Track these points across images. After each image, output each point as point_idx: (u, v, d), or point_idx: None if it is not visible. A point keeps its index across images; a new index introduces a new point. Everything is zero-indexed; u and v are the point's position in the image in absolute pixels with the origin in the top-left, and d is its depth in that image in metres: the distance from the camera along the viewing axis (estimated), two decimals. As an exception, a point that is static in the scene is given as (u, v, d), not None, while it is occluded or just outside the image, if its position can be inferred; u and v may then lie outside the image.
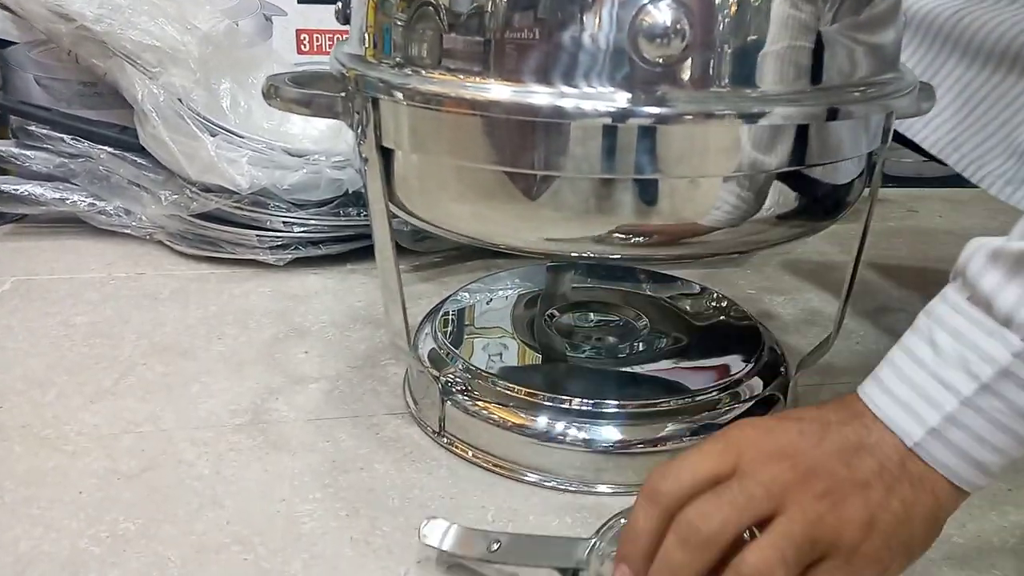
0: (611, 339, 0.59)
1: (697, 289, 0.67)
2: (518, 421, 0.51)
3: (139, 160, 0.82)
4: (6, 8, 0.82)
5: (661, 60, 0.39)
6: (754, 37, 0.39)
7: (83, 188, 0.83)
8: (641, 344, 0.58)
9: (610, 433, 0.50)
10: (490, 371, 0.54)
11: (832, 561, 0.34)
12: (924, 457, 0.35)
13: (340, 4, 0.50)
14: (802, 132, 0.42)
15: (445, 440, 0.54)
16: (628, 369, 0.56)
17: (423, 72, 0.43)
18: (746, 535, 0.34)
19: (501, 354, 0.57)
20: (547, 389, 0.52)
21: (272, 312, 0.71)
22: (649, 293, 0.66)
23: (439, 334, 0.58)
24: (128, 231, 0.83)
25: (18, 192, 0.82)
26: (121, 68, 0.79)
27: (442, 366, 0.55)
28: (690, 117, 0.40)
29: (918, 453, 0.35)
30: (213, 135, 0.77)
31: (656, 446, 0.50)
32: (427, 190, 0.48)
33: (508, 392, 0.52)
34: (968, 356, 0.34)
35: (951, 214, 1.00)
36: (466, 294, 0.65)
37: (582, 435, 0.50)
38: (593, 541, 0.40)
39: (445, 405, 0.53)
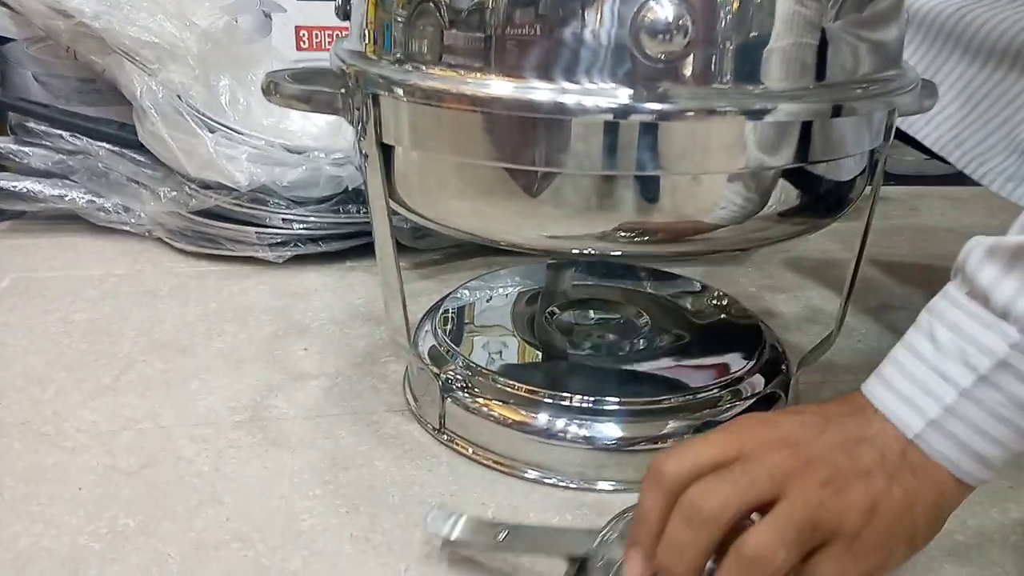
0: (612, 337, 0.59)
1: (698, 287, 0.67)
2: (518, 418, 0.51)
3: (138, 157, 0.81)
4: (4, 4, 0.82)
5: (663, 56, 0.38)
6: (757, 33, 0.39)
7: (82, 185, 0.83)
8: (642, 342, 0.58)
9: (611, 430, 0.50)
10: (490, 368, 0.54)
11: (834, 547, 0.34)
12: (925, 449, 0.35)
13: (340, 0, 0.50)
14: (806, 129, 0.42)
15: (445, 437, 0.54)
16: (629, 367, 0.56)
17: (424, 68, 0.43)
18: (750, 520, 0.34)
19: (501, 351, 0.57)
20: (547, 386, 0.52)
21: (272, 309, 0.71)
22: (650, 291, 0.65)
23: (439, 331, 0.58)
24: (127, 228, 0.83)
25: (17, 189, 0.82)
26: (120, 64, 0.79)
27: (442, 363, 0.55)
28: (692, 114, 0.40)
29: (919, 445, 0.35)
30: (212, 132, 0.77)
31: (657, 443, 0.50)
32: (427, 187, 0.47)
33: (508, 389, 0.52)
34: (967, 349, 0.35)
35: (952, 212, 1.00)
36: (466, 292, 0.65)
37: (583, 432, 0.50)
38: (603, 531, 0.40)
39: (445, 402, 0.53)
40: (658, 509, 0.35)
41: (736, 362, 0.55)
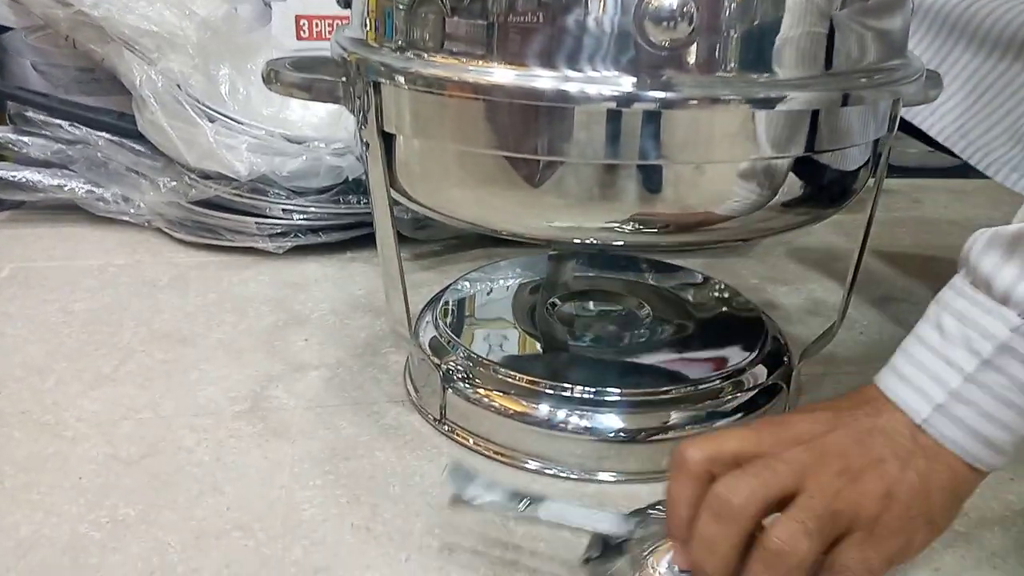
0: (613, 328, 0.59)
1: (700, 278, 0.67)
2: (519, 409, 0.51)
3: (137, 147, 0.81)
4: (3, -8, 0.82)
5: (667, 44, 0.38)
6: (762, 21, 0.39)
7: (81, 175, 0.82)
8: (643, 333, 0.58)
9: (612, 421, 0.50)
10: (491, 359, 0.53)
11: (855, 535, 0.35)
12: (933, 434, 0.36)
13: (341, -12, 0.50)
14: (812, 118, 0.42)
15: (446, 428, 0.53)
16: (630, 358, 0.55)
17: (425, 56, 0.42)
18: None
19: (502, 342, 0.57)
20: (549, 377, 0.52)
21: (271, 300, 0.71)
22: (651, 282, 0.65)
23: (440, 322, 0.58)
24: (126, 218, 0.83)
25: (16, 179, 0.82)
26: (119, 53, 0.79)
27: (443, 354, 0.55)
28: (696, 102, 0.39)
29: (927, 430, 0.36)
30: (212, 121, 0.76)
31: (658, 434, 0.50)
32: (429, 176, 0.47)
33: (509, 380, 0.52)
34: (970, 335, 0.35)
35: (955, 204, 1.00)
36: (467, 283, 0.65)
37: (584, 423, 0.50)
38: (640, 517, 0.40)
39: (446, 393, 0.53)
40: (686, 496, 0.36)
41: (738, 354, 0.55)
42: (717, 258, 0.81)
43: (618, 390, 0.51)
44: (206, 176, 0.77)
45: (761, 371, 0.54)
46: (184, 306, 0.69)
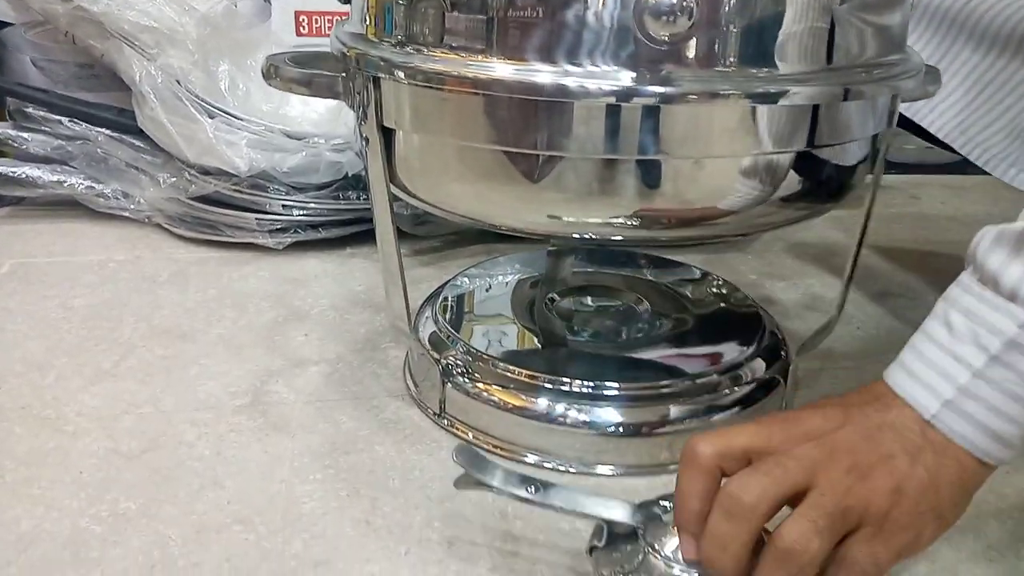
0: (611, 323, 0.59)
1: (698, 274, 0.67)
2: (518, 403, 0.51)
3: (137, 143, 0.81)
4: (2, -12, 0.82)
5: (667, 38, 0.38)
6: (761, 16, 0.39)
7: (81, 171, 0.83)
8: (642, 328, 0.58)
9: (610, 415, 0.50)
10: (490, 354, 0.54)
11: (865, 529, 0.35)
12: (942, 429, 0.36)
13: (341, -17, 0.50)
14: (812, 113, 0.42)
15: (446, 422, 0.54)
16: (628, 353, 0.56)
17: (425, 51, 0.42)
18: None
19: (501, 338, 0.57)
20: (547, 371, 0.52)
21: (271, 295, 0.71)
22: (650, 278, 0.65)
23: (439, 317, 0.58)
24: (126, 214, 0.83)
25: (16, 175, 0.82)
26: (119, 49, 0.79)
27: (443, 349, 0.55)
28: (695, 97, 0.39)
29: (936, 425, 0.36)
30: (211, 117, 0.77)
31: (656, 428, 0.51)
32: (429, 170, 0.47)
33: (508, 374, 0.52)
34: (978, 331, 0.36)
35: (953, 200, 1.00)
36: (466, 278, 0.65)
37: (582, 417, 0.50)
38: (650, 506, 0.40)
39: (445, 387, 0.53)
40: (696, 490, 0.37)
41: (736, 348, 0.55)
42: (715, 254, 0.82)
43: (616, 384, 0.51)
44: (206, 172, 0.77)
45: (759, 365, 0.54)
46: (184, 302, 0.69)
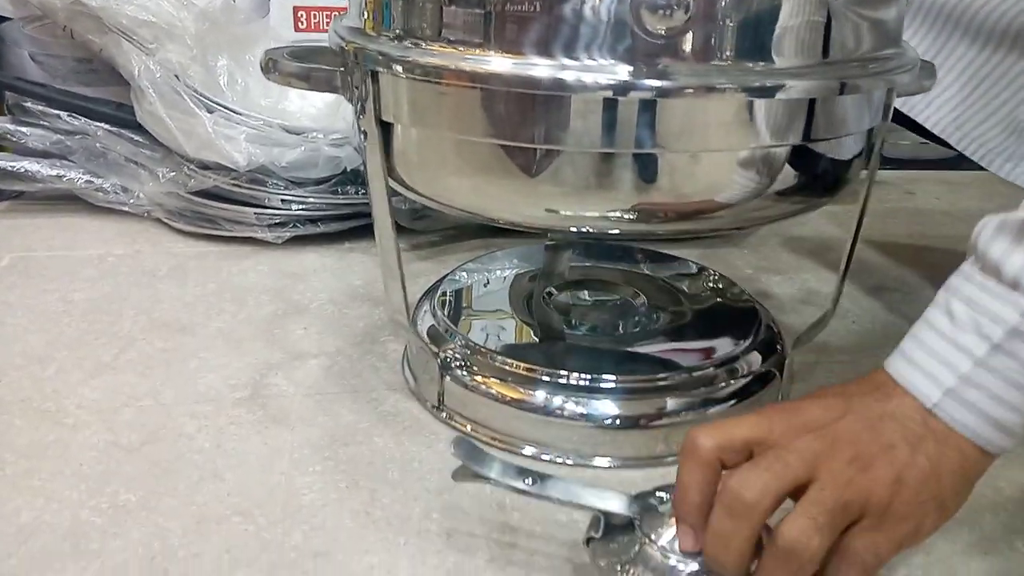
0: (609, 317, 0.60)
1: (695, 268, 0.67)
2: (516, 396, 0.51)
3: (136, 137, 0.81)
4: (1, -17, 0.82)
5: (663, 32, 0.38)
6: (758, 9, 0.39)
7: (80, 165, 0.83)
8: (639, 322, 0.58)
9: (607, 408, 0.51)
10: (489, 347, 0.54)
11: (866, 520, 0.35)
12: (943, 418, 0.36)
13: (339, -23, 0.50)
14: (808, 107, 0.42)
15: (444, 415, 0.54)
16: (625, 346, 0.56)
17: (423, 44, 0.43)
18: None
19: (499, 331, 0.57)
20: (545, 364, 0.52)
21: (270, 289, 0.71)
22: (647, 272, 0.66)
23: (438, 311, 0.58)
24: (125, 208, 0.83)
25: (15, 169, 0.82)
26: (117, 44, 0.79)
27: (441, 342, 0.56)
28: (691, 90, 0.40)
29: (937, 414, 0.36)
30: (210, 112, 0.77)
31: (653, 421, 0.51)
32: (426, 164, 0.48)
33: (506, 367, 0.52)
34: (980, 320, 0.36)
35: (948, 196, 1.00)
36: (464, 273, 0.65)
37: (580, 409, 0.50)
38: (647, 497, 0.40)
39: (444, 380, 0.53)
40: (696, 482, 0.37)
41: (732, 342, 0.55)
42: (711, 248, 0.82)
43: (613, 377, 0.51)
44: (205, 166, 0.77)
45: (755, 359, 0.55)
46: (183, 295, 0.70)
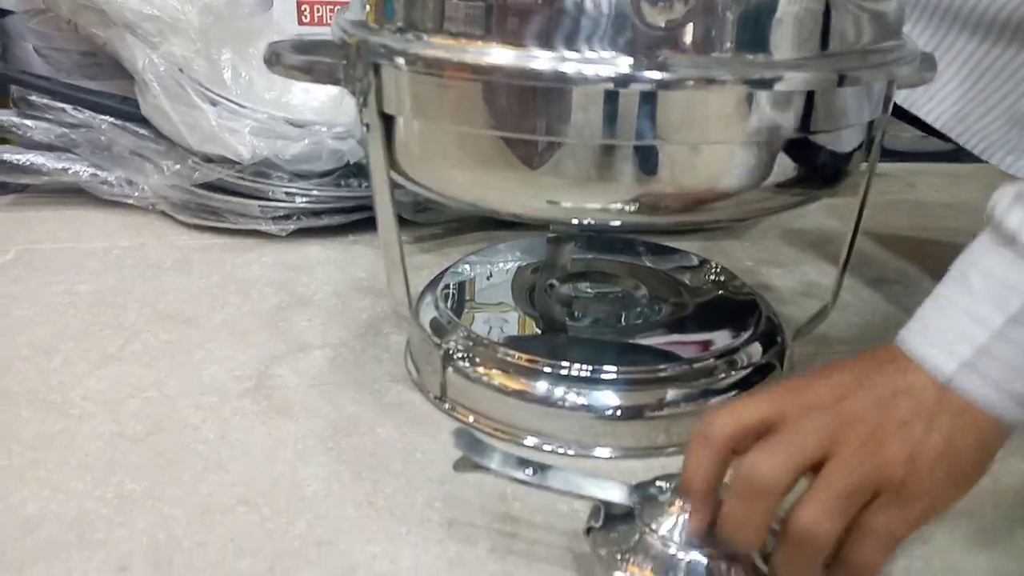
0: (610, 309, 0.60)
1: (696, 261, 0.67)
2: (518, 387, 0.52)
3: (141, 130, 0.82)
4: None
5: (664, 24, 0.39)
6: (758, 2, 0.39)
7: (85, 158, 0.83)
8: (640, 314, 0.59)
9: (608, 399, 0.51)
10: (491, 339, 0.54)
11: (881, 499, 0.35)
12: (959, 391, 0.35)
13: (342, -30, 0.50)
14: (807, 99, 0.43)
15: (447, 406, 0.54)
16: (627, 338, 0.56)
17: (425, 37, 0.43)
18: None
19: (502, 323, 0.57)
20: (547, 356, 0.52)
21: (275, 281, 0.72)
22: (648, 264, 0.66)
23: (440, 303, 0.59)
24: (130, 201, 0.83)
25: (20, 162, 0.82)
26: (121, 38, 0.79)
27: (444, 334, 0.56)
28: (692, 82, 0.40)
29: (953, 387, 0.35)
30: (214, 105, 0.77)
31: (654, 411, 0.51)
32: (429, 156, 0.48)
33: (508, 359, 0.53)
34: (997, 291, 0.35)
35: (949, 188, 1.00)
36: (467, 265, 0.65)
37: (581, 400, 0.51)
38: (648, 487, 0.40)
39: (446, 372, 0.54)
40: (705, 468, 0.37)
41: (732, 333, 0.56)
42: (712, 241, 0.82)
43: (615, 368, 0.51)
44: (209, 159, 0.77)
45: (755, 350, 0.55)
46: (188, 288, 0.70)
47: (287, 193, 0.78)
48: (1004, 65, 0.58)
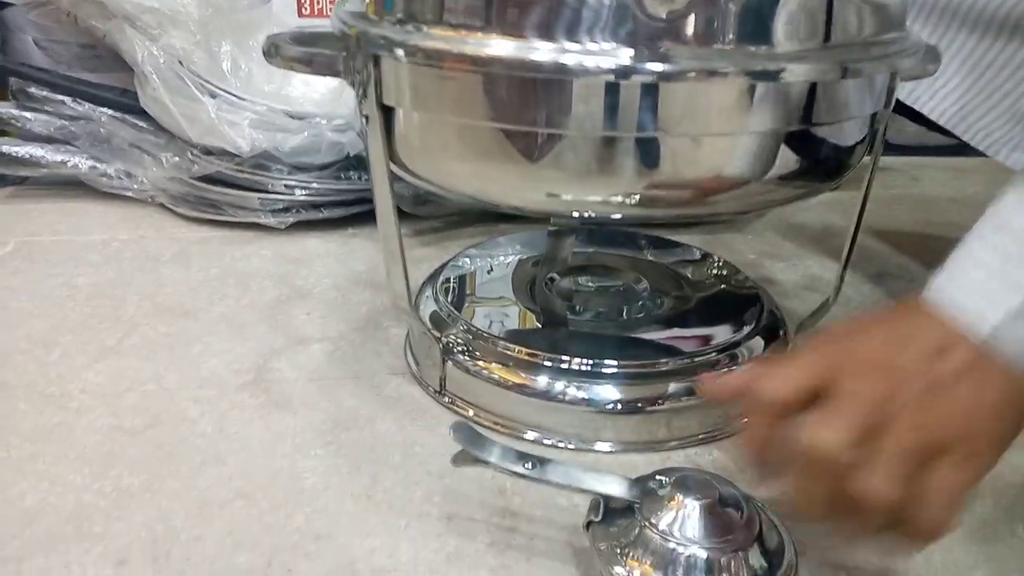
0: (611, 303, 0.60)
1: (698, 254, 0.67)
2: (518, 381, 0.52)
3: (140, 123, 0.82)
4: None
5: (665, 15, 0.38)
6: (760, -8, 0.39)
7: (84, 150, 0.83)
8: (641, 308, 0.58)
9: (609, 392, 0.51)
10: (491, 332, 0.54)
11: (943, 458, 0.35)
12: (1005, 341, 0.35)
13: (342, -39, 0.50)
14: (810, 91, 0.42)
15: (446, 399, 0.54)
16: (627, 332, 0.56)
17: (424, 28, 0.42)
18: None
19: (502, 316, 0.57)
20: (547, 350, 0.52)
21: (274, 274, 0.71)
22: (650, 258, 0.66)
23: (440, 297, 0.58)
24: (129, 194, 0.83)
25: (19, 154, 0.82)
26: (121, 30, 0.79)
27: (443, 327, 0.56)
28: (693, 74, 0.39)
29: (999, 338, 0.35)
30: (214, 97, 0.77)
31: (655, 405, 0.51)
32: (428, 148, 0.48)
33: (509, 352, 0.53)
34: None
35: (953, 182, 1.00)
36: (467, 258, 0.65)
37: (581, 394, 0.51)
38: (650, 482, 0.40)
39: (446, 365, 0.54)
40: (763, 435, 0.37)
41: (735, 327, 0.55)
42: (714, 234, 0.82)
43: (615, 362, 0.51)
44: (208, 152, 0.77)
45: (757, 344, 0.55)
46: (187, 280, 0.70)
47: (286, 186, 0.78)
48: (1005, 62, 0.57)
